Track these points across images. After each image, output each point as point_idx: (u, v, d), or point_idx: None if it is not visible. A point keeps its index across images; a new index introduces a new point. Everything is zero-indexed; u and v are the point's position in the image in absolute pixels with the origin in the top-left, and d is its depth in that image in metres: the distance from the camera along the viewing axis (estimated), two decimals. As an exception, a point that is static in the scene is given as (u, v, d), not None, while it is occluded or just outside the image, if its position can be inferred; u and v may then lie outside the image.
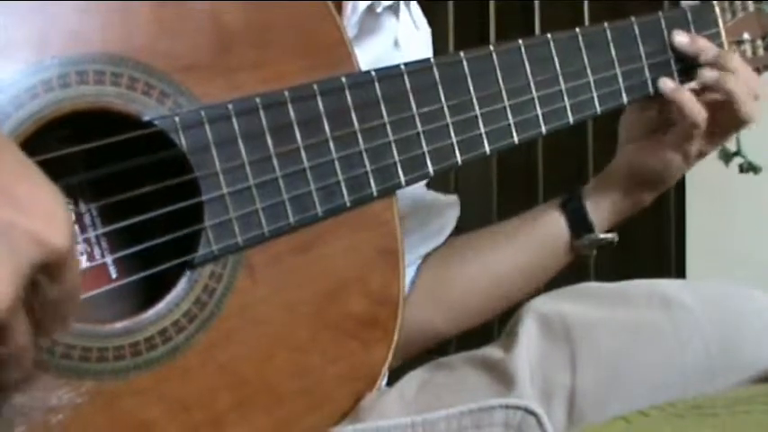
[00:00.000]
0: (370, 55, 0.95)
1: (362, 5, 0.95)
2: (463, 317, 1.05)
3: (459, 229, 1.11)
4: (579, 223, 1.03)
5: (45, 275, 0.54)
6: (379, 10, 0.97)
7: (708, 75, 0.96)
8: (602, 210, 1.03)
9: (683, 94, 0.95)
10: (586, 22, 1.69)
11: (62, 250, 0.53)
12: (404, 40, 1.02)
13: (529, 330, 0.81)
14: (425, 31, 1.09)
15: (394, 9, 1.01)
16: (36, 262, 0.52)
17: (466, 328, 1.04)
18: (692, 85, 0.96)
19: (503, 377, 0.78)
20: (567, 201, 1.04)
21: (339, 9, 0.93)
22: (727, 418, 0.64)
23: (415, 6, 1.07)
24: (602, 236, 1.03)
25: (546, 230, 1.04)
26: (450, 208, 1.11)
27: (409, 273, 1.05)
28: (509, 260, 1.04)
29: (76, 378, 0.63)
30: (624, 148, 1.03)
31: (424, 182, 1.08)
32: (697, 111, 0.95)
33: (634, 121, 1.03)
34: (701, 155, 1.00)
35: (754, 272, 1.75)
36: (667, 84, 0.96)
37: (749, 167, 1.07)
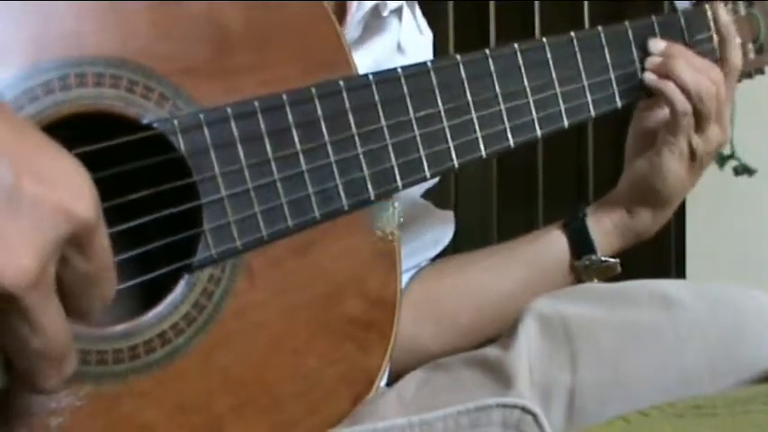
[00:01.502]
0: (373, 56, 0.95)
1: (368, 5, 0.95)
2: (454, 335, 1.01)
3: (459, 231, 1.11)
4: (580, 243, 1.01)
5: (73, 249, 0.53)
6: (385, 14, 0.97)
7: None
8: (604, 230, 1.02)
9: (668, 84, 0.95)
10: (586, 23, 1.70)
11: (89, 221, 0.53)
12: (407, 44, 1.02)
13: (529, 330, 0.82)
14: (428, 36, 1.09)
15: (397, 12, 1.01)
16: (63, 235, 0.52)
17: (459, 346, 0.98)
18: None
19: (501, 376, 0.79)
20: (570, 220, 1.03)
21: (344, 8, 0.93)
22: (727, 418, 0.64)
23: (418, 10, 1.07)
24: (603, 258, 1.01)
25: (546, 249, 1.02)
26: (445, 222, 1.10)
27: None
28: (506, 278, 1.02)
29: (76, 381, 0.63)
30: (627, 167, 1.03)
31: (421, 191, 1.07)
32: (682, 98, 0.95)
33: (634, 139, 1.02)
34: (702, 155, 0.99)
35: (753, 272, 1.75)
36: (652, 76, 0.95)
37: (744, 170, 1.07)
